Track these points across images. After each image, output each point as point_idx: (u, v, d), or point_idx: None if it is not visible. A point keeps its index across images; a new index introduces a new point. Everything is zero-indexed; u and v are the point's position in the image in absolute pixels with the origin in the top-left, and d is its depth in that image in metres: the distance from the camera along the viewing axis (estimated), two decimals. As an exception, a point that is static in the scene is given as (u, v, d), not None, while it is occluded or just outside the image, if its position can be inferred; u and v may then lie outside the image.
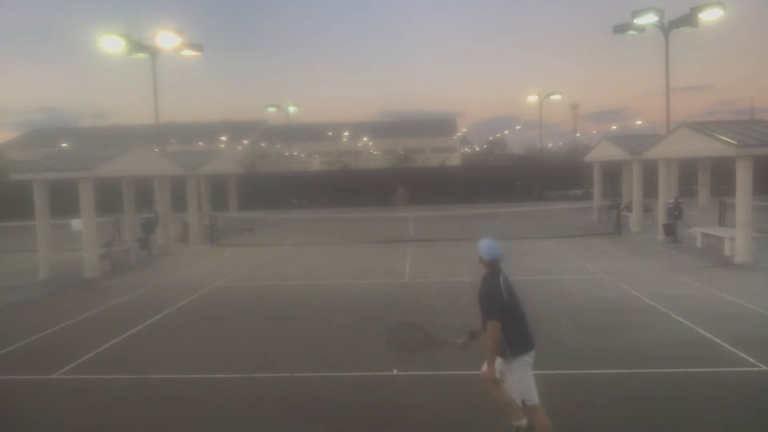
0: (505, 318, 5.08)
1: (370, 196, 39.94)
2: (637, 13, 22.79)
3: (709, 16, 21.93)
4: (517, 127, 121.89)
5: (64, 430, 6.19)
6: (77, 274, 14.66)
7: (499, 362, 5.23)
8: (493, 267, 5.39)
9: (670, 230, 17.82)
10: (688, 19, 22.03)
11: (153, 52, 23.14)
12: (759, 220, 15.04)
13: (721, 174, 19.89)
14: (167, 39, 23.20)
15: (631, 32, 23.77)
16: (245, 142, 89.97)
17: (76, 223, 15.55)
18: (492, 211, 28.10)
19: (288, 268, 15.53)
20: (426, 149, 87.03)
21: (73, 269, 15.15)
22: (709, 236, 16.38)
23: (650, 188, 20.39)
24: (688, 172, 20.52)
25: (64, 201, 17.17)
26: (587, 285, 11.99)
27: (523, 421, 5.22)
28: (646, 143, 20.70)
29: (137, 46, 22.86)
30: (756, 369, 6.97)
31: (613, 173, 27.27)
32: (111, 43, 22.54)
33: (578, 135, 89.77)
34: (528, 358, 5.11)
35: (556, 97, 50.81)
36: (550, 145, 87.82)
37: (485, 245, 5.46)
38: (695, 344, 7.95)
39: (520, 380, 5.07)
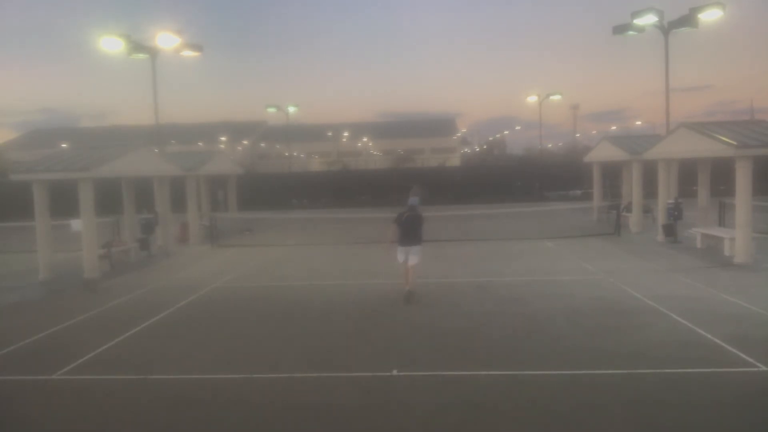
0: (397, 226, 11.34)
1: (370, 197, 40.00)
2: (636, 14, 22.78)
3: (709, 16, 21.91)
4: (517, 128, 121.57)
5: (64, 430, 6.19)
6: (77, 275, 14.65)
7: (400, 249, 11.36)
8: (407, 208, 11.46)
9: (669, 231, 17.83)
10: (687, 20, 22.02)
11: (153, 53, 23.14)
12: (759, 221, 15.05)
13: (721, 174, 19.90)
14: (167, 39, 23.19)
15: (631, 33, 23.74)
16: (245, 142, 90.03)
17: (76, 224, 15.54)
18: (491, 212, 28.11)
19: (288, 269, 15.53)
20: (426, 150, 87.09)
21: (73, 270, 15.14)
22: (709, 237, 16.38)
23: (650, 189, 20.41)
24: (687, 172, 20.53)
25: (63, 201, 17.17)
26: (587, 285, 11.99)
27: (406, 288, 11.11)
28: (646, 144, 20.70)
29: (137, 46, 22.85)
30: (756, 369, 6.98)
31: (612, 174, 27.28)
32: (111, 44, 22.53)
33: (578, 135, 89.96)
34: (401, 248, 11.29)
35: (556, 97, 50.84)
36: (550, 145, 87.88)
37: (409, 200, 11.62)
38: (695, 345, 7.96)
39: (397, 254, 11.36)
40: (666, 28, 22.67)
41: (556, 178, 41.12)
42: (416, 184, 15.62)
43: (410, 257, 11.19)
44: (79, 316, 10.70)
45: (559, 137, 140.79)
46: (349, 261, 16.48)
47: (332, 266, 15.75)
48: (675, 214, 17.73)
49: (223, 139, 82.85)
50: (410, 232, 11.26)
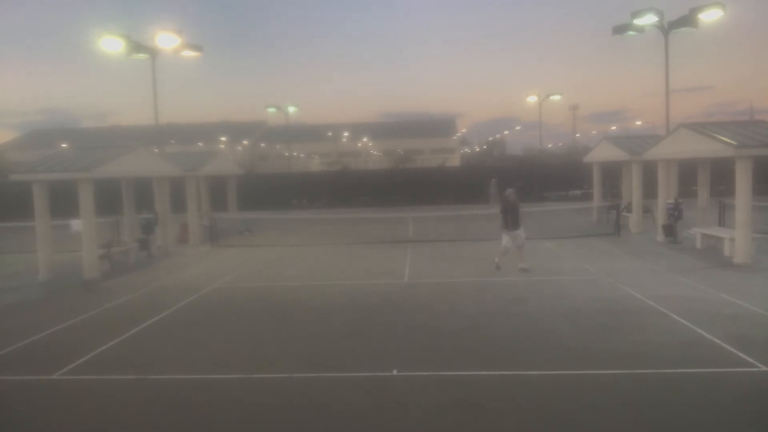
0: (505, 214, 13.67)
1: (370, 197, 40.01)
2: (636, 14, 22.76)
3: (709, 16, 21.89)
4: (517, 128, 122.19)
5: (64, 430, 6.19)
6: (77, 275, 14.65)
7: (509, 234, 13.67)
8: (509, 198, 13.77)
9: (669, 231, 17.83)
10: (687, 20, 22.00)
11: (153, 53, 23.13)
12: (758, 221, 15.05)
13: (721, 175, 19.91)
14: (167, 39, 23.17)
15: (631, 33, 23.71)
16: (245, 142, 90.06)
17: (76, 224, 15.54)
18: (491, 212, 28.02)
19: (287, 269, 15.52)
20: (425, 150, 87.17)
21: (73, 270, 15.14)
22: (709, 237, 16.38)
23: (650, 189, 20.40)
24: (687, 172, 20.52)
25: (63, 202, 17.16)
26: (587, 286, 11.99)
27: (497, 262, 13.85)
28: (646, 144, 20.70)
29: (137, 46, 22.82)
30: (756, 369, 6.98)
31: (612, 174, 27.27)
32: (111, 44, 22.50)
33: (578, 136, 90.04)
34: (510, 231, 13.63)
35: (556, 97, 50.79)
36: (550, 145, 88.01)
37: (507, 191, 13.90)
38: (695, 345, 7.96)
39: (508, 240, 13.66)
40: (666, 29, 22.67)
41: (555, 178, 41.07)
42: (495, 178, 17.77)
43: (518, 239, 13.72)
44: (78, 316, 10.70)
45: (559, 138, 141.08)
46: (349, 261, 16.47)
47: (332, 266, 15.75)
48: (675, 214, 17.73)
49: (223, 139, 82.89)
50: (516, 217, 13.78)
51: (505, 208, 13.78)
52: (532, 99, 52.45)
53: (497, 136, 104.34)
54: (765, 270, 13.06)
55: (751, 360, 7.22)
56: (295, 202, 40.94)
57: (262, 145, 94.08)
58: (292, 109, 55.14)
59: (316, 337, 9.02)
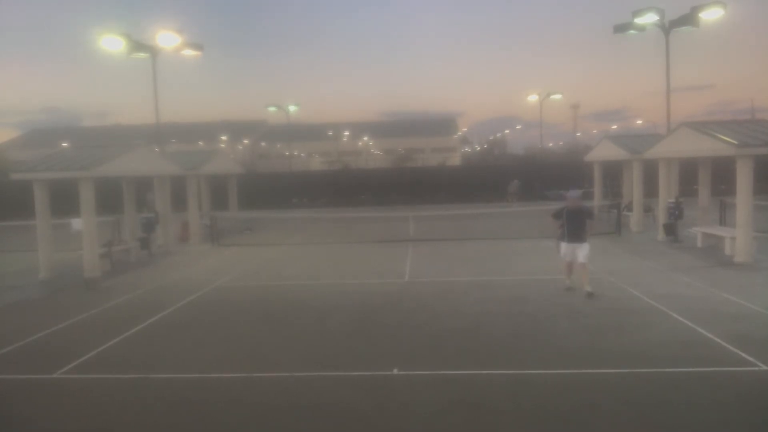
0: (563, 222, 11.13)
1: (370, 196, 40.02)
2: (637, 13, 22.75)
3: (710, 15, 21.88)
4: (518, 127, 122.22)
5: (64, 429, 6.19)
6: (77, 274, 14.65)
7: (565, 245, 11.26)
8: (568, 202, 11.22)
9: (670, 230, 17.81)
10: (688, 19, 21.99)
11: (153, 52, 23.13)
12: (759, 220, 15.03)
13: (722, 174, 19.89)
14: (167, 39, 23.18)
15: (632, 32, 23.71)
16: (245, 141, 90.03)
17: (77, 223, 15.54)
18: (491, 211, 28.08)
19: (288, 268, 15.53)
20: (426, 149, 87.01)
21: (74, 269, 15.14)
22: (710, 236, 16.37)
23: (651, 188, 20.38)
24: (688, 171, 20.50)
25: (64, 201, 17.15)
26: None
27: (567, 283, 11.51)
28: (647, 143, 20.68)
29: (138, 45, 22.82)
30: (756, 369, 6.97)
31: (613, 173, 27.25)
32: (111, 43, 22.51)
33: (578, 135, 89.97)
34: (565, 242, 11.19)
35: (557, 97, 50.81)
36: (551, 144, 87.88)
37: (569, 193, 11.56)
38: (695, 344, 7.95)
39: (563, 250, 11.33)
40: (667, 27, 22.64)
41: (556, 177, 41.05)
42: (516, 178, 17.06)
43: (578, 255, 10.99)
44: (79, 315, 10.71)
45: (559, 137, 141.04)
46: (350, 260, 16.47)
47: (333, 265, 15.75)
48: (676, 213, 17.72)
49: (223, 138, 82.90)
50: (576, 227, 10.97)
51: (560, 212, 11.23)
52: (532, 98, 52.50)
53: (498, 135, 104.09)
54: (766, 269, 13.05)
55: (751, 359, 7.21)
56: (295, 201, 40.96)
57: (263, 144, 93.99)
58: (292, 108, 55.12)
59: (317, 336, 9.02)
